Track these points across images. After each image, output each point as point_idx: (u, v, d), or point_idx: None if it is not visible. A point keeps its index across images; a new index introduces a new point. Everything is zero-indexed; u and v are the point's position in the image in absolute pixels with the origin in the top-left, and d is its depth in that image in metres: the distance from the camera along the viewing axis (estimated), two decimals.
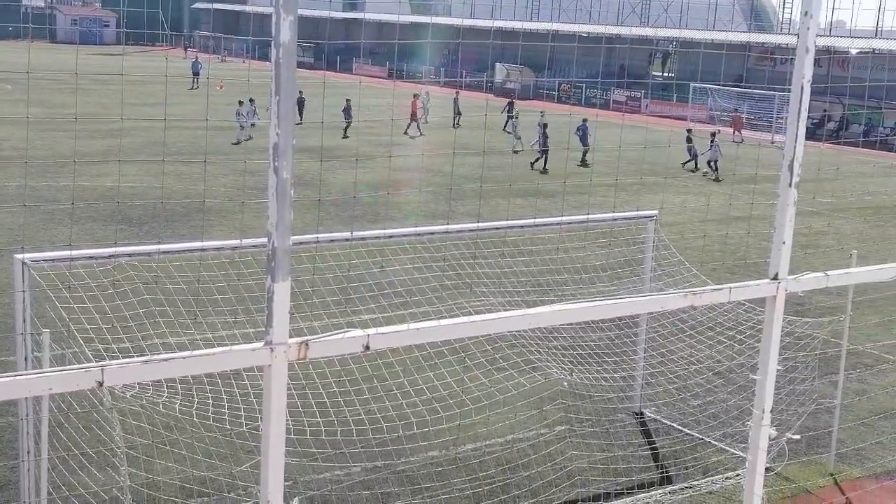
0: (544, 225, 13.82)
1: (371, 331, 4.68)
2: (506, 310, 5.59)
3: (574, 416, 13.17)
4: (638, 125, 46.45)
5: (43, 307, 9.87)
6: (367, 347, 4.64)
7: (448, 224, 11.79)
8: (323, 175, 30.51)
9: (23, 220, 22.88)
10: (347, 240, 11.63)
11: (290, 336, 4.40)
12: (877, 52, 57.03)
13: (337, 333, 4.59)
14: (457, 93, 49.60)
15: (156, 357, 4.13)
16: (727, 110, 54.27)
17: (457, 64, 71.33)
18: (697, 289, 5.94)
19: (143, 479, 10.34)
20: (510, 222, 13.38)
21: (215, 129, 39.23)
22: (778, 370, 6.09)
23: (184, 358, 4.20)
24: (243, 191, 26.81)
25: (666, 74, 73.65)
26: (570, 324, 12.86)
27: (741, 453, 12.12)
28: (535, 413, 13.08)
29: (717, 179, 36.23)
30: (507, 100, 49.49)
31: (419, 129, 43.19)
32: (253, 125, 39.47)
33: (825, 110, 53.56)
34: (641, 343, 13.63)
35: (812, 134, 38.92)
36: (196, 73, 60.84)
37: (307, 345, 4.44)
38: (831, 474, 12.49)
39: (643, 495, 11.51)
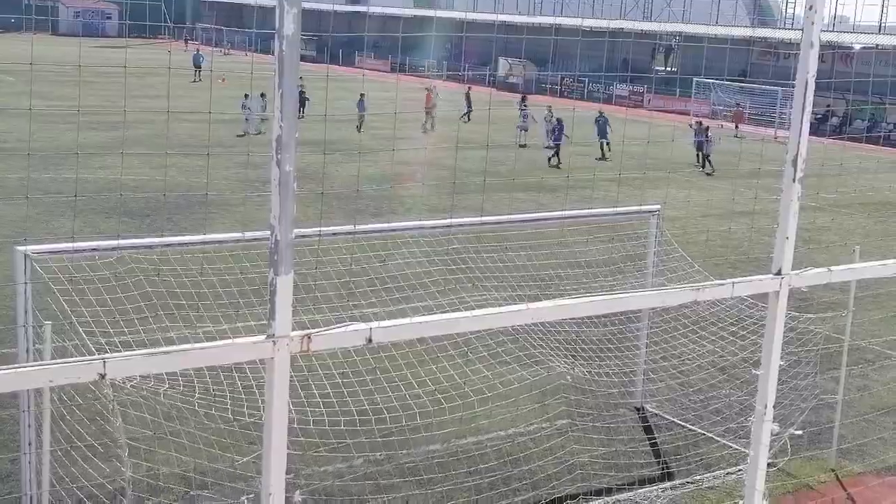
0: (547, 219, 13.82)
1: (374, 324, 4.67)
2: (508, 304, 5.59)
3: (576, 410, 13.17)
4: (641, 119, 46.38)
5: (45, 299, 9.87)
6: (370, 340, 4.63)
7: (451, 218, 11.78)
8: (326, 168, 30.49)
9: (25, 212, 22.88)
10: (350, 233, 11.62)
11: (293, 329, 4.39)
12: (880, 47, 56.94)
13: (339, 326, 4.58)
14: (468, 88, 49.68)
15: (158, 350, 4.12)
16: (730, 105, 54.23)
17: (460, 58, 71.22)
18: (700, 284, 5.93)
19: (145, 469, 10.35)
20: (512, 216, 13.38)
21: (218, 121, 39.20)
22: (780, 366, 6.08)
23: (186, 351, 4.19)
24: (246, 184, 26.80)
25: (669, 69, 73.55)
26: (572, 318, 12.86)
27: (743, 448, 12.12)
28: (536, 407, 13.08)
29: (709, 173, 36.24)
30: (520, 95, 49.47)
31: (433, 124, 43.13)
32: (264, 120, 39.44)
33: (829, 106, 53.46)
34: (643, 338, 13.63)
35: (815, 129, 38.82)
36: (198, 66, 60.75)
37: (310, 338, 4.43)
38: (833, 470, 12.48)
39: (644, 490, 11.52)
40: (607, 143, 38.77)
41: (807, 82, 5.59)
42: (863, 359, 16.33)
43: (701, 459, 12.39)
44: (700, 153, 37.95)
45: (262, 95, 39.65)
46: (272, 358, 4.34)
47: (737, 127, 48.49)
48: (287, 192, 4.28)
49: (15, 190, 25.24)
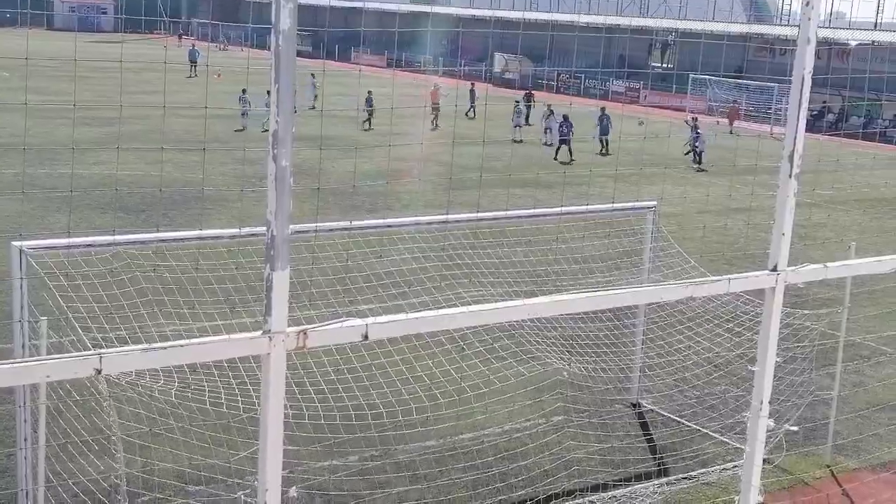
0: (543, 215, 13.82)
1: (370, 320, 4.67)
2: (504, 300, 5.58)
3: (572, 406, 13.18)
4: (637, 115, 46.39)
5: (40, 295, 9.86)
6: (366, 337, 4.63)
7: (447, 214, 11.77)
8: (322, 164, 30.47)
9: (20, 207, 22.84)
10: (346, 229, 11.61)
11: (289, 325, 4.38)
12: (876, 43, 56.94)
13: (336, 322, 4.58)
14: (472, 84, 49.74)
15: (154, 345, 4.12)
16: (726, 101, 54.23)
17: (456, 53, 71.17)
18: (696, 280, 5.94)
19: (140, 465, 10.34)
20: (509, 212, 13.37)
21: (214, 117, 39.16)
22: (776, 362, 6.09)
23: (182, 346, 4.19)
24: (242, 179, 26.77)
25: (665, 65, 73.53)
26: (569, 314, 12.86)
27: (739, 445, 12.13)
28: (532, 403, 13.09)
29: (700, 169, 36.31)
30: (525, 91, 49.46)
31: (436, 122, 43.15)
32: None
33: (825, 102, 53.50)
34: (640, 334, 13.63)
35: (812, 126, 38.84)
36: (194, 62, 60.65)
37: (306, 334, 4.43)
38: (828, 466, 12.50)
39: (640, 486, 11.53)
40: (607, 141, 38.95)
41: (803, 78, 5.60)
42: (858, 355, 16.36)
43: (697, 456, 12.41)
44: (694, 150, 38.02)
45: (269, 93, 39.60)
46: (268, 354, 4.34)
47: (731, 124, 48.50)
48: (283, 188, 4.28)
49: (10, 185, 25.18)
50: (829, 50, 56.99)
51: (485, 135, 35.63)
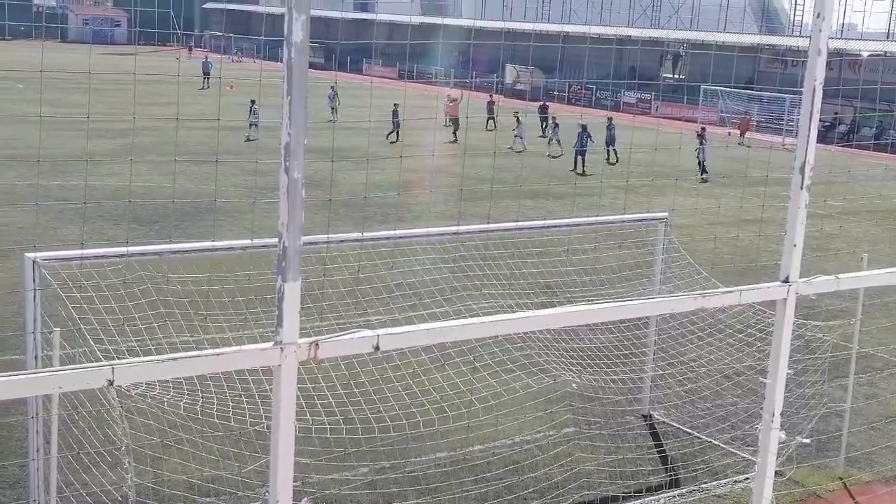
0: (554, 227, 13.82)
1: (381, 331, 4.68)
2: (515, 311, 5.59)
3: (582, 418, 13.15)
4: (649, 127, 46.39)
5: (53, 306, 9.89)
6: (377, 348, 4.63)
7: (458, 225, 11.79)
8: (334, 176, 30.53)
9: (34, 219, 22.95)
10: (358, 240, 11.63)
11: (300, 336, 4.39)
12: (888, 54, 56.82)
13: (347, 333, 4.59)
14: (491, 96, 49.85)
15: (166, 357, 4.13)
16: (738, 113, 54.17)
17: (468, 65, 71.30)
18: (708, 291, 5.93)
19: (151, 476, 10.36)
20: (520, 223, 13.38)
21: (226, 129, 39.29)
22: (788, 373, 6.07)
23: (194, 357, 4.20)
24: (254, 191, 26.84)
25: (677, 76, 73.54)
26: (579, 325, 12.85)
27: (750, 457, 12.09)
28: (543, 415, 13.07)
29: (705, 180, 36.29)
30: (539, 103, 49.48)
31: (456, 135, 43.08)
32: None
33: (836, 113, 53.38)
34: (651, 345, 13.61)
35: (823, 137, 38.77)
36: (207, 74, 60.94)
37: (317, 345, 4.44)
38: (841, 478, 12.45)
39: (651, 498, 11.50)
40: (614, 150, 39.15)
41: (814, 90, 5.59)
42: (871, 367, 16.29)
43: (708, 467, 12.37)
44: (699, 160, 38.04)
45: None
46: (279, 365, 4.35)
47: (742, 135, 48.43)
48: (295, 200, 4.29)
49: (24, 197, 25.31)
50: (840, 61, 56.89)
51: (496, 146, 35.69)
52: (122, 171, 29.66)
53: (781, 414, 6.06)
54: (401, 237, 12.66)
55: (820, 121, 5.77)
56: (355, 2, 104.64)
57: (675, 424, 13.60)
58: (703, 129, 39.39)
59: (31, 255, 9.57)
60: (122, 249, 10.16)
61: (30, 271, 9.50)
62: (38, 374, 3.99)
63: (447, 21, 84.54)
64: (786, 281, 5.84)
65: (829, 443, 13.11)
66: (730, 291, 5.89)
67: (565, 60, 76.30)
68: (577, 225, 13.91)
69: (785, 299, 5.87)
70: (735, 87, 56.29)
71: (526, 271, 14.87)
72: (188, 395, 10.08)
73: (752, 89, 57.00)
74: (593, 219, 14.16)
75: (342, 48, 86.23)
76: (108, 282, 10.69)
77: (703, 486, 11.88)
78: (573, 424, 13.01)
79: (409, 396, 11.62)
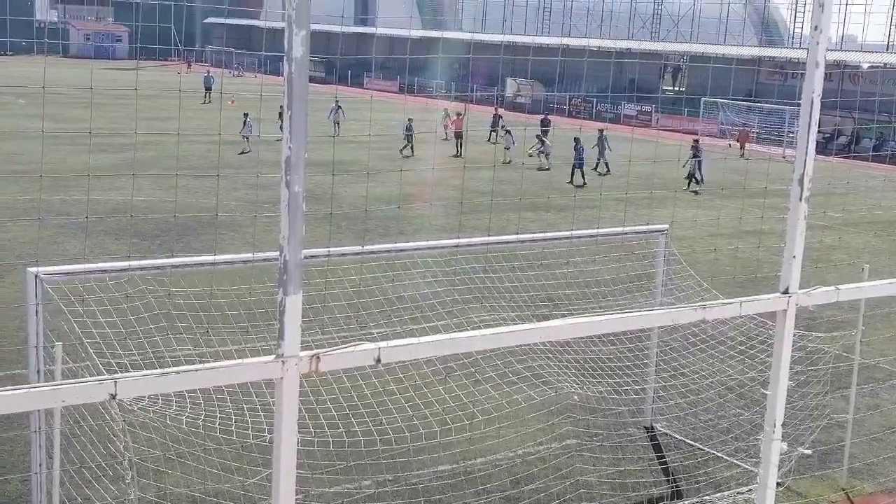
0: (555, 239, 13.84)
1: (383, 344, 4.69)
2: (516, 324, 5.60)
3: (584, 430, 13.15)
4: (649, 139, 46.46)
5: (55, 321, 9.91)
6: (379, 360, 4.65)
7: (459, 238, 11.81)
8: (335, 189, 30.57)
9: (35, 233, 22.99)
10: (359, 253, 11.65)
11: (302, 349, 4.41)
12: (888, 66, 56.95)
13: (349, 346, 4.60)
14: (496, 110, 49.93)
15: (168, 370, 4.15)
16: (737, 125, 54.25)
17: (468, 78, 71.47)
18: (708, 302, 5.95)
19: (154, 491, 10.36)
20: (521, 236, 13.39)
21: (227, 143, 39.39)
22: (789, 385, 6.08)
23: (196, 371, 4.22)
24: (255, 205, 26.88)
25: (676, 89, 73.68)
26: (581, 338, 12.86)
27: (753, 468, 12.08)
28: (544, 427, 13.07)
29: (696, 192, 36.38)
30: (541, 116, 49.53)
31: (463, 149, 43.08)
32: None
33: (836, 125, 53.46)
34: (653, 357, 13.62)
35: (823, 148, 38.91)
36: (209, 88, 61.09)
37: (319, 358, 4.45)
38: (843, 489, 12.43)
39: None
40: (605, 162, 40.04)
41: (812, 101, 5.62)
42: (873, 378, 16.28)
43: (711, 479, 12.36)
44: (691, 173, 38.11)
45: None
46: (281, 378, 4.36)
47: (742, 147, 48.50)
48: (296, 213, 4.31)
49: (25, 211, 25.35)
50: (840, 73, 57.02)
51: (495, 158, 35.75)
52: (124, 186, 29.71)
53: (783, 425, 6.06)
54: (401, 250, 12.69)
55: (819, 132, 5.80)
56: (356, 17, 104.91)
57: (677, 436, 13.60)
58: (697, 141, 39.45)
59: (33, 269, 9.59)
60: (125, 263, 10.18)
61: (32, 286, 9.53)
62: (41, 388, 4.00)
63: (447, 35, 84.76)
64: (786, 292, 5.86)
65: (832, 454, 13.10)
66: (730, 302, 5.91)
67: (565, 73, 76.46)
68: (578, 237, 13.93)
69: (785, 310, 5.88)
70: (735, 100, 56.39)
71: (527, 283, 14.89)
72: (190, 408, 10.09)
73: (752, 101, 57.11)
74: (594, 231, 14.18)
75: (342, 62, 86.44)
76: (110, 296, 10.72)
77: (706, 498, 11.86)
78: (575, 436, 13.01)
79: (412, 409, 11.63)
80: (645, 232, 14.18)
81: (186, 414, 10.05)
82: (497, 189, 29.20)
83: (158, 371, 4.14)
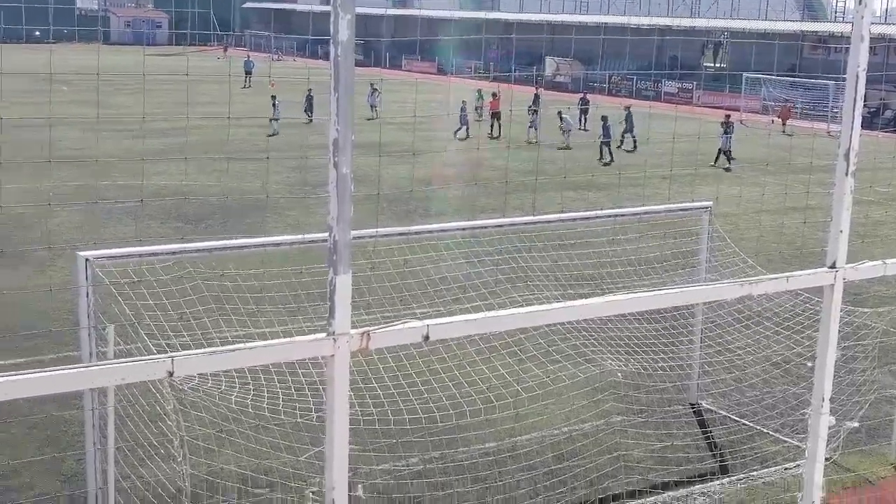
0: (598, 217, 13.83)
1: (430, 321, 4.77)
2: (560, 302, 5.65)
3: (629, 407, 13.18)
4: (690, 116, 46.10)
5: (106, 303, 10.09)
6: (427, 337, 4.73)
7: (502, 217, 11.86)
8: (375, 171, 30.67)
9: (82, 218, 23.35)
10: (404, 234, 11.75)
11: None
12: None
13: (397, 324, 4.68)
14: (536, 89, 49.92)
15: (223, 348, 4.25)
16: (780, 100, 53.65)
17: (507, 58, 71.26)
18: (754, 278, 5.95)
19: (205, 468, 10.54)
20: (563, 215, 13.41)
21: (267, 126, 39.72)
22: (836, 359, 6.08)
23: (250, 349, 4.32)
24: (298, 188, 27.06)
25: (718, 65, 72.95)
26: (625, 315, 12.88)
27: (799, 444, 12.06)
28: (589, 404, 13.11)
29: (727, 169, 36.02)
30: (580, 95, 49.35)
31: (500, 130, 43.17)
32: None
33: (882, 99, 52.68)
34: (698, 334, 13.59)
35: (869, 123, 38.35)
36: (249, 72, 61.45)
37: (369, 335, 4.54)
38: (892, 464, 12.36)
39: (700, 486, 11.50)
40: (633, 138, 39.82)
41: (857, 76, 5.60)
42: None
43: (757, 454, 12.34)
44: (721, 149, 37.73)
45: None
46: (333, 355, 4.45)
47: (784, 123, 47.97)
48: (345, 194, 4.38)
49: (72, 197, 25.70)
50: (885, 46, 56.12)
51: (538, 138, 35.67)
52: (168, 171, 30.03)
53: (831, 400, 6.07)
54: (444, 230, 12.76)
55: (865, 107, 5.78)
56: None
57: (722, 412, 13.58)
58: (729, 116, 39.06)
59: (83, 253, 9.77)
60: (174, 246, 10.35)
61: (82, 269, 9.71)
62: (101, 366, 4.12)
63: (487, 15, 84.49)
64: (832, 267, 5.86)
65: (880, 429, 13.02)
66: (777, 277, 5.91)
67: (605, 51, 75.98)
68: (621, 216, 13.91)
69: (832, 285, 5.88)
70: (777, 75, 55.73)
71: (569, 263, 14.90)
72: (239, 388, 10.25)
73: (795, 76, 56.42)
74: (637, 209, 14.17)
75: (381, 44, 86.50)
76: (159, 279, 10.89)
77: (753, 473, 11.86)
78: (620, 413, 13.04)
79: (457, 387, 11.71)
80: (688, 209, 14.14)
81: (235, 394, 10.21)
82: (539, 168, 29.19)
83: (214, 349, 4.25)
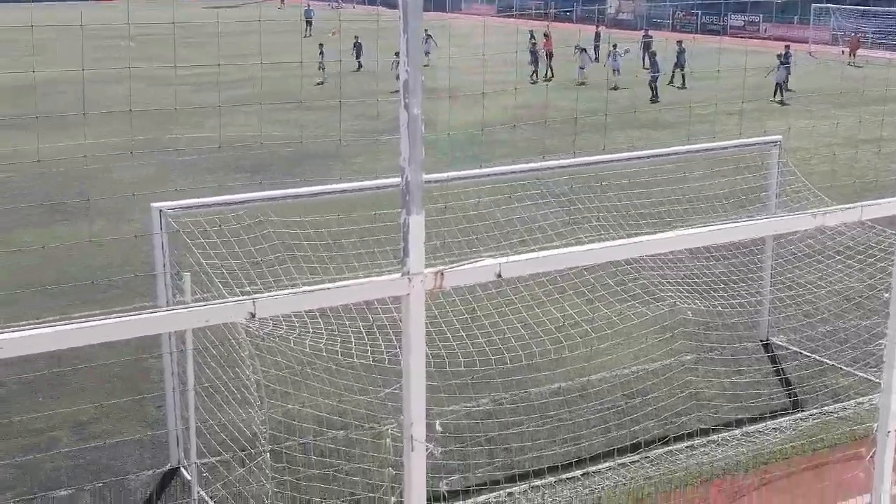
0: (666, 155, 13.71)
1: (503, 260, 4.82)
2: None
3: (699, 344, 13.15)
4: (757, 49, 45.15)
5: (180, 254, 10.31)
6: (500, 275, 4.77)
7: (573, 157, 11.83)
8: (438, 116, 30.63)
9: (151, 171, 23.73)
10: (476, 176, 11.79)
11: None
12: None
13: (470, 262, 4.74)
14: (598, 27, 49.46)
15: (303, 289, 4.35)
16: (850, 31, 52.24)
17: None
18: (827, 208, 5.89)
19: (281, 411, 10.79)
20: (631, 153, 13.32)
21: (334, 73, 39.88)
22: None
23: (328, 289, 4.41)
24: (361, 135, 27.16)
25: None
26: (695, 254, 12.81)
27: (874, 378, 11.95)
28: (659, 342, 13.10)
29: (781, 102, 35.26)
30: (643, 32, 48.82)
31: (551, 71, 43.09)
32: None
33: None
34: (768, 270, 13.48)
35: None
36: (309, 21, 61.45)
37: (442, 274, 4.60)
38: None
39: (773, 422, 11.48)
40: (683, 74, 39.38)
41: None
42: None
43: (830, 389, 12.27)
44: (777, 82, 36.88)
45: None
46: (408, 294, 4.52)
47: (853, 54, 46.75)
48: (416, 135, 4.43)
49: (138, 150, 26.08)
50: None
51: (607, 78, 35.29)
52: (231, 123, 30.30)
53: None
54: (514, 172, 12.76)
55: None
56: None
57: (794, 348, 13.49)
58: (788, 47, 38.12)
59: (157, 204, 9.99)
60: (246, 195, 10.53)
61: (157, 220, 9.93)
62: (185, 309, 4.24)
63: None
64: None
65: None
66: (850, 208, 5.83)
67: None
68: (691, 152, 13.78)
69: None
70: (847, 5, 54.21)
71: (637, 202, 14.81)
72: (312, 333, 10.44)
73: (866, 4, 54.82)
74: (706, 145, 14.02)
75: None
76: (230, 227, 11.08)
77: (826, 408, 11.80)
78: (690, 351, 13.02)
79: (526, 329, 11.80)
80: (758, 143, 13.95)
81: (309, 338, 10.40)
82: (595, 108, 28.90)
83: (293, 290, 4.34)
